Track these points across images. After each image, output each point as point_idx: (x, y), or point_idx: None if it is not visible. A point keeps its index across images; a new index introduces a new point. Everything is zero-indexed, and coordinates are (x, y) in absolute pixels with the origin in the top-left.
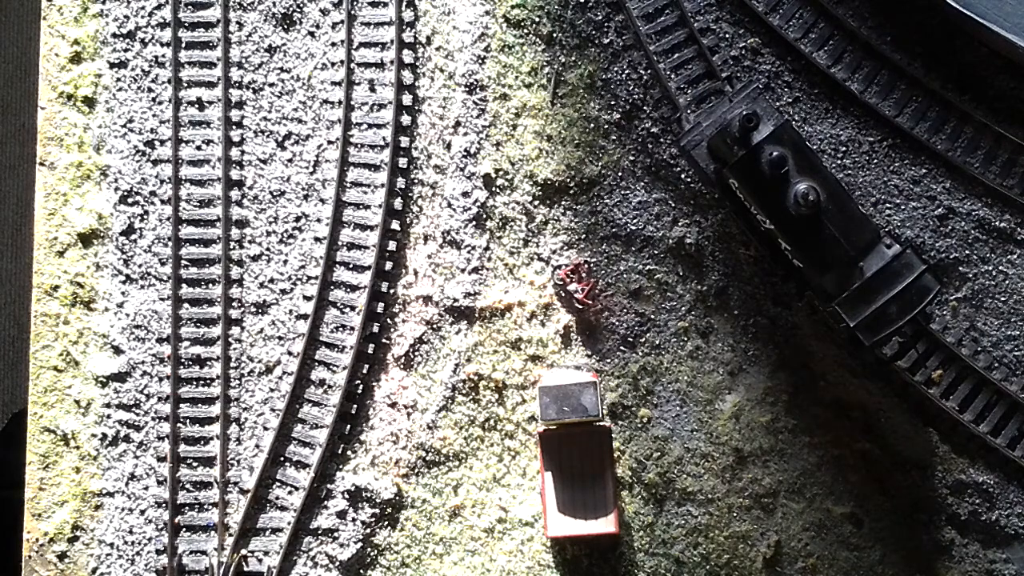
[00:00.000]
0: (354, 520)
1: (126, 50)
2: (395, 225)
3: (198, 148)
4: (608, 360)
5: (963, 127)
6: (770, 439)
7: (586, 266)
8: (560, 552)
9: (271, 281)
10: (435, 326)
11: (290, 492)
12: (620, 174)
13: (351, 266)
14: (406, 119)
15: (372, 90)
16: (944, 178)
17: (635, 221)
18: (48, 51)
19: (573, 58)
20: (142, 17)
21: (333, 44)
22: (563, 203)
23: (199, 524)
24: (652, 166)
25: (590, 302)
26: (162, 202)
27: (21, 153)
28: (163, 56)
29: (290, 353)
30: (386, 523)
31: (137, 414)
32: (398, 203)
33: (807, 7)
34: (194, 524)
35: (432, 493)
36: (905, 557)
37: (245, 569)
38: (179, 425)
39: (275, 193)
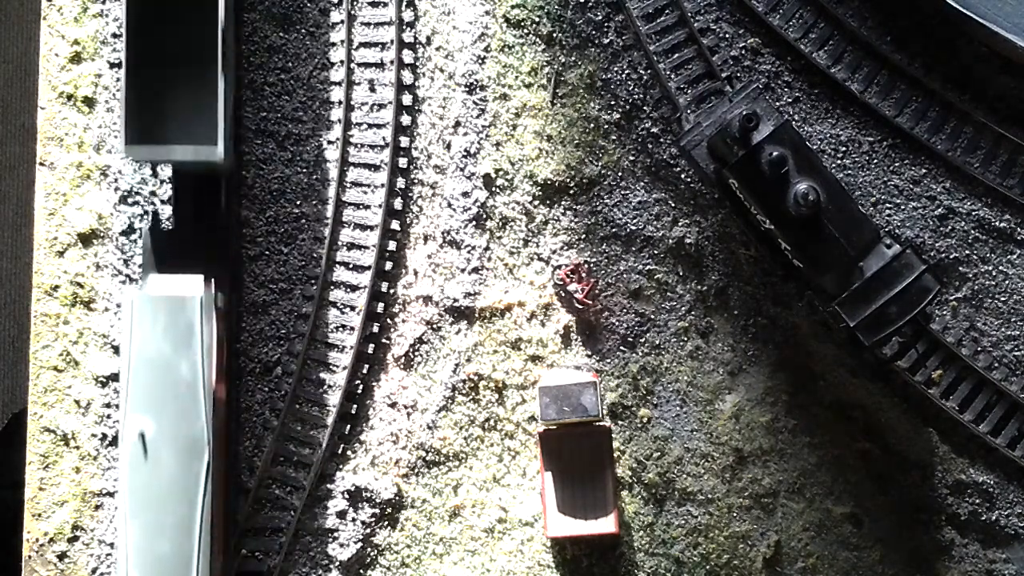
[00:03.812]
0: (354, 520)
1: None
2: (395, 225)
3: None
4: (608, 360)
5: (963, 127)
6: (770, 439)
7: (586, 266)
8: (560, 552)
9: (271, 281)
10: (435, 326)
11: (290, 492)
12: (620, 174)
13: (351, 266)
14: (406, 119)
15: (372, 90)
16: (944, 178)
17: (635, 221)
18: (48, 51)
19: (573, 58)
20: None
21: (333, 44)
22: (563, 203)
23: None
24: (652, 166)
25: (590, 302)
26: (162, 202)
27: (21, 153)
28: None
29: (290, 353)
30: (386, 523)
31: None
32: (398, 203)
33: (807, 7)
34: None
35: (432, 493)
36: (905, 557)
37: (245, 569)
38: None
39: (275, 193)
